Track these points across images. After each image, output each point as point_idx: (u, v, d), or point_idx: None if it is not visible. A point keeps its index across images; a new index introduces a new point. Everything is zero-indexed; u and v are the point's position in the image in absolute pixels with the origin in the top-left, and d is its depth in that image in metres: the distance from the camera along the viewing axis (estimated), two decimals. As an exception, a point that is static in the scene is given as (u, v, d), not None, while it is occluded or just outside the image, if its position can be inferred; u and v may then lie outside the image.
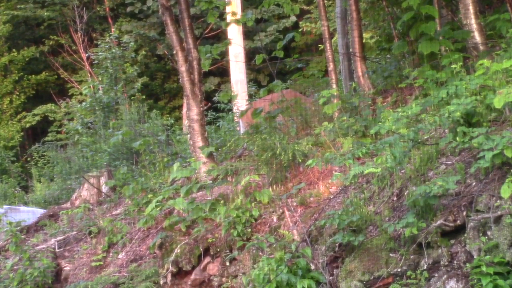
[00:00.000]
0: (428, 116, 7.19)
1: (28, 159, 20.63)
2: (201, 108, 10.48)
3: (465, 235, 5.65)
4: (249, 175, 8.86)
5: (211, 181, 9.65)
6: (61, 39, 27.70)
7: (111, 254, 9.91)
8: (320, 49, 22.66)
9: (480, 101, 6.55)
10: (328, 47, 10.43)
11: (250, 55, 23.72)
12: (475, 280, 5.21)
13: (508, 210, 5.35)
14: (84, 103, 20.33)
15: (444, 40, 9.15)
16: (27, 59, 28.10)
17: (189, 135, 10.64)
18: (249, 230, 8.00)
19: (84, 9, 27.83)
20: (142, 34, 27.50)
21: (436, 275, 5.63)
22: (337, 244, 6.63)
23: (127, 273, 8.98)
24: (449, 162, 6.64)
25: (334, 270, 6.52)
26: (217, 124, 16.28)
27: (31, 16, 28.72)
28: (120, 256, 9.73)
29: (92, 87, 21.10)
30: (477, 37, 9.02)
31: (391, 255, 6.08)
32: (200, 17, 24.97)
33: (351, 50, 11.41)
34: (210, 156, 10.22)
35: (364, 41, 11.96)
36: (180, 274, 8.37)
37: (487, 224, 5.48)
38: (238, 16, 12.91)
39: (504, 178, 5.56)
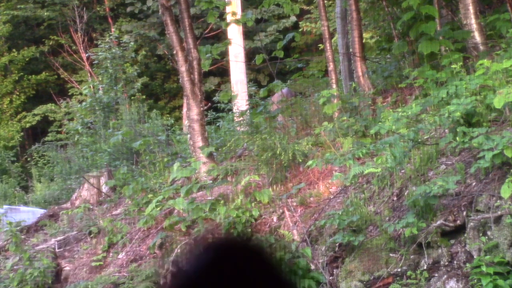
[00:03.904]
0: (428, 116, 7.19)
1: (28, 159, 20.62)
2: (201, 108, 10.48)
3: (465, 235, 5.65)
4: (249, 175, 8.86)
5: (211, 181, 9.65)
6: (61, 39, 27.69)
7: (111, 254, 9.91)
8: (320, 49, 22.65)
9: (480, 101, 6.56)
10: (328, 47, 10.43)
11: (250, 55, 23.71)
12: (475, 280, 5.21)
13: (508, 210, 5.35)
14: (84, 103, 20.31)
15: (444, 40, 9.15)
16: (27, 59, 28.09)
17: (189, 135, 10.63)
18: (249, 230, 8.00)
19: (84, 9, 27.82)
20: (142, 34, 27.48)
21: (436, 275, 5.63)
22: (337, 244, 6.63)
23: (127, 273, 8.98)
24: (449, 162, 6.64)
25: (334, 270, 6.52)
26: (217, 124, 16.27)
27: (31, 16, 28.71)
28: (120, 256, 9.72)
29: (92, 87, 21.09)
30: (477, 37, 9.01)
31: (391, 255, 6.08)
32: (200, 17, 24.96)
33: (351, 50, 11.41)
34: (210, 156, 10.22)
35: (364, 41, 11.95)
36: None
37: (487, 224, 5.47)
38: (238, 16, 12.91)
39: (504, 178, 5.56)
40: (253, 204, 8.24)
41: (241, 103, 16.34)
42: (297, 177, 8.65)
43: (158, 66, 29.99)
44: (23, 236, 11.29)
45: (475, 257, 5.43)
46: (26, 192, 18.23)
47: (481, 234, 5.50)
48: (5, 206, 13.87)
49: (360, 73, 10.81)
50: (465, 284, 5.34)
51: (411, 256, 5.92)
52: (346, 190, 7.62)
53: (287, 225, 7.64)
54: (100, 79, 21.61)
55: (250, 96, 18.33)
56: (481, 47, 8.93)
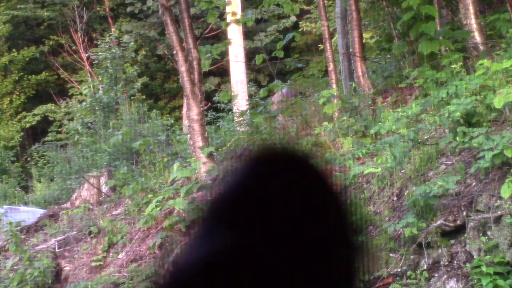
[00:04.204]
0: (428, 116, 7.20)
1: (28, 159, 20.62)
2: (201, 108, 10.48)
3: (465, 235, 5.65)
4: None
5: (211, 181, 9.64)
6: (61, 39, 27.70)
7: (111, 254, 9.91)
8: (320, 49, 22.65)
9: (480, 101, 6.56)
10: (328, 47, 10.43)
11: (250, 55, 23.71)
12: (475, 280, 5.22)
13: (508, 210, 5.35)
14: (84, 103, 20.31)
15: (444, 40, 9.15)
16: (27, 59, 28.09)
17: (189, 135, 10.63)
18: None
19: (84, 9, 27.82)
20: (142, 34, 27.48)
21: (436, 275, 5.63)
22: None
23: (127, 273, 8.98)
24: (449, 162, 6.64)
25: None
26: (217, 124, 16.28)
27: (31, 16, 28.71)
28: (120, 256, 9.73)
29: (92, 87, 21.10)
30: (477, 37, 9.02)
31: (391, 255, 6.08)
32: (200, 17, 24.96)
33: (351, 50, 11.41)
34: (210, 156, 10.22)
35: (364, 41, 11.96)
36: (180, 274, 8.36)
37: (487, 224, 5.47)
38: (238, 16, 12.91)
39: (504, 178, 5.56)
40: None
41: (241, 103, 16.35)
42: (297, 177, 8.64)
43: (158, 66, 29.99)
44: (23, 236, 11.29)
45: (475, 257, 5.44)
46: (26, 192, 18.23)
47: (481, 234, 5.50)
48: (5, 206, 13.87)
49: (360, 73, 10.81)
50: (465, 284, 5.34)
51: (411, 256, 5.92)
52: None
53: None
54: (100, 79, 21.62)
55: (250, 96, 18.34)
56: (481, 47, 8.93)
